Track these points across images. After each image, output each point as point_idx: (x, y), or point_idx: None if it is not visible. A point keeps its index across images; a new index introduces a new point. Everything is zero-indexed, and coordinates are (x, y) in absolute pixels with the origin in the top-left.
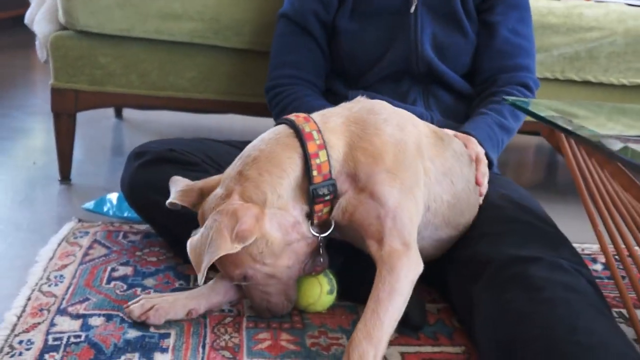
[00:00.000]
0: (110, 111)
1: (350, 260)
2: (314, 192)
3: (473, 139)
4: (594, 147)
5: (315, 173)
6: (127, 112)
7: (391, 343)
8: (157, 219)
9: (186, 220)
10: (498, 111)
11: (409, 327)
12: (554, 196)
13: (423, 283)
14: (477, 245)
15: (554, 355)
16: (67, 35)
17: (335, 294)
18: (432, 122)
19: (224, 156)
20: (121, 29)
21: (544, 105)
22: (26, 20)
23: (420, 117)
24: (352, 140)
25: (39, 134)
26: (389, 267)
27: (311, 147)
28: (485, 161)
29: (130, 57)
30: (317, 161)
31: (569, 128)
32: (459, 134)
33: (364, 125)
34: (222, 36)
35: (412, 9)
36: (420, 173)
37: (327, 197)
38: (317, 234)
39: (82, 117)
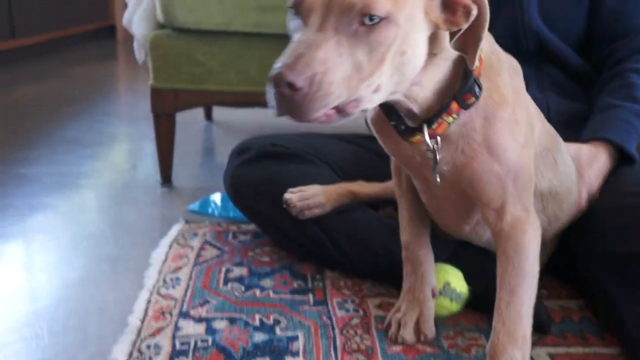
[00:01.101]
0: (200, 114)
1: (455, 257)
2: (472, 81)
3: (586, 183)
4: None
5: (477, 64)
6: (217, 115)
7: (536, 343)
8: (264, 216)
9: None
10: (631, 98)
11: (537, 328)
12: None
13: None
14: (615, 239)
15: None
16: (166, 34)
17: (463, 300)
18: (546, 105)
19: (328, 146)
20: (219, 24)
21: None
22: (124, 22)
23: (533, 100)
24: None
25: (133, 138)
26: (515, 244)
27: None
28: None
29: (228, 53)
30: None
31: None
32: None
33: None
34: None
35: None
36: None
37: (472, 100)
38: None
39: None
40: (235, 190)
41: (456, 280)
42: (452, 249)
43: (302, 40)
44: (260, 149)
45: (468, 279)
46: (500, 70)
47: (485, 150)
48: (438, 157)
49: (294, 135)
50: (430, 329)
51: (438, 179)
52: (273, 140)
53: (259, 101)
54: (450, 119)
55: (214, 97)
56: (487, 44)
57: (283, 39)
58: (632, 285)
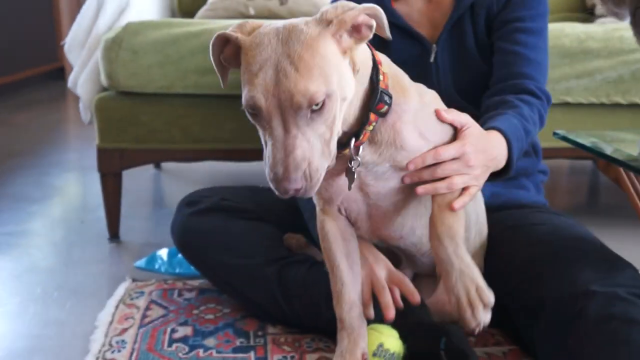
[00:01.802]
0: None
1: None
2: (380, 94)
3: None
4: None
5: (381, 78)
6: (166, 163)
7: None
8: (211, 266)
9: (243, 266)
10: (517, 112)
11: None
12: (601, 219)
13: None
14: (530, 286)
15: None
16: (110, 97)
17: None
18: None
19: (274, 202)
20: (161, 87)
21: (596, 136)
22: (69, 84)
23: None
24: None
25: (81, 191)
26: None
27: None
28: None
29: (171, 113)
30: (384, 69)
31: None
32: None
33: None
34: None
35: (432, 58)
36: None
37: (385, 108)
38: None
39: None
40: (185, 240)
41: (390, 340)
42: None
43: (277, 146)
44: (210, 202)
45: (405, 337)
46: (402, 77)
47: (403, 142)
48: (360, 156)
49: (242, 188)
50: None
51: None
52: (223, 194)
53: (202, 157)
54: (370, 128)
55: (159, 155)
56: (387, 61)
57: (223, 98)
58: (578, 318)
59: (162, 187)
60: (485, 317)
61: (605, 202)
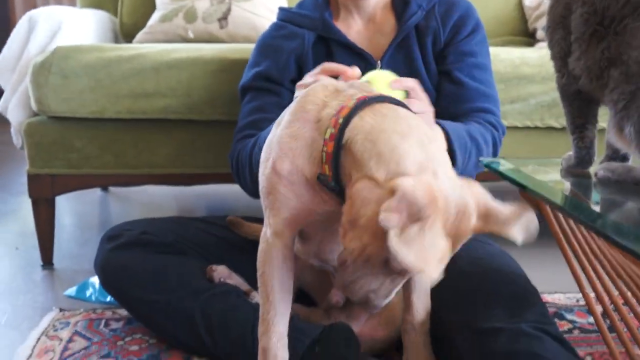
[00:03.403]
0: None
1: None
2: None
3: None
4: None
5: None
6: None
7: None
8: (131, 302)
9: (162, 302)
10: (466, 126)
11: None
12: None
13: None
14: (440, 319)
15: None
16: (40, 121)
17: None
18: None
19: (198, 234)
20: (93, 112)
21: (520, 170)
22: (0, 109)
23: None
24: None
25: (23, 216)
26: None
27: None
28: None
29: (104, 138)
30: None
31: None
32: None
33: None
34: (197, 110)
35: None
36: None
37: None
38: None
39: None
40: (105, 275)
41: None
42: (316, 335)
43: (391, 288)
44: (130, 236)
45: None
46: None
47: None
48: None
49: (167, 220)
50: None
51: None
52: (144, 228)
53: (137, 182)
54: None
55: (93, 181)
56: None
57: (158, 122)
58: (486, 355)
59: (108, 210)
60: None
61: None
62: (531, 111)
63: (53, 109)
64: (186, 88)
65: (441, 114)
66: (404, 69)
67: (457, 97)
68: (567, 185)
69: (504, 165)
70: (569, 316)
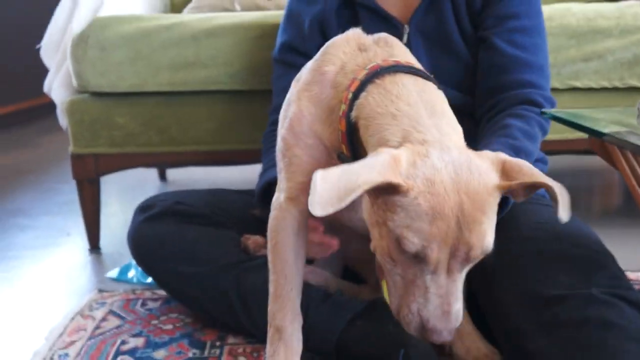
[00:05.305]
0: (154, 174)
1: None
2: None
3: None
4: None
5: None
6: (171, 174)
7: None
8: (162, 275)
9: (196, 275)
10: (506, 135)
11: None
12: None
13: None
14: (500, 289)
15: None
16: (82, 99)
17: None
18: None
19: (235, 206)
20: (133, 85)
21: (586, 116)
22: (45, 89)
23: None
24: None
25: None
26: None
27: None
28: None
29: (146, 114)
30: None
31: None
32: None
33: None
34: (239, 79)
35: (405, 40)
36: None
37: None
38: None
39: (126, 182)
40: (136, 247)
41: None
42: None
43: (440, 293)
44: (163, 206)
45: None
46: None
47: None
48: None
49: (202, 192)
50: None
51: None
52: (178, 198)
53: (182, 161)
54: None
55: (137, 160)
56: None
57: (201, 95)
58: (550, 324)
59: None
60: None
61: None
62: (609, 69)
63: (92, 83)
64: (227, 56)
65: (478, 90)
66: (434, 33)
67: (492, 68)
68: None
69: (570, 115)
70: None
